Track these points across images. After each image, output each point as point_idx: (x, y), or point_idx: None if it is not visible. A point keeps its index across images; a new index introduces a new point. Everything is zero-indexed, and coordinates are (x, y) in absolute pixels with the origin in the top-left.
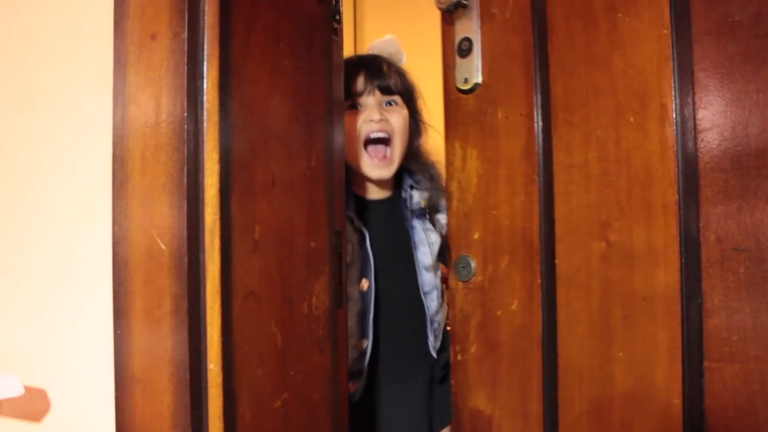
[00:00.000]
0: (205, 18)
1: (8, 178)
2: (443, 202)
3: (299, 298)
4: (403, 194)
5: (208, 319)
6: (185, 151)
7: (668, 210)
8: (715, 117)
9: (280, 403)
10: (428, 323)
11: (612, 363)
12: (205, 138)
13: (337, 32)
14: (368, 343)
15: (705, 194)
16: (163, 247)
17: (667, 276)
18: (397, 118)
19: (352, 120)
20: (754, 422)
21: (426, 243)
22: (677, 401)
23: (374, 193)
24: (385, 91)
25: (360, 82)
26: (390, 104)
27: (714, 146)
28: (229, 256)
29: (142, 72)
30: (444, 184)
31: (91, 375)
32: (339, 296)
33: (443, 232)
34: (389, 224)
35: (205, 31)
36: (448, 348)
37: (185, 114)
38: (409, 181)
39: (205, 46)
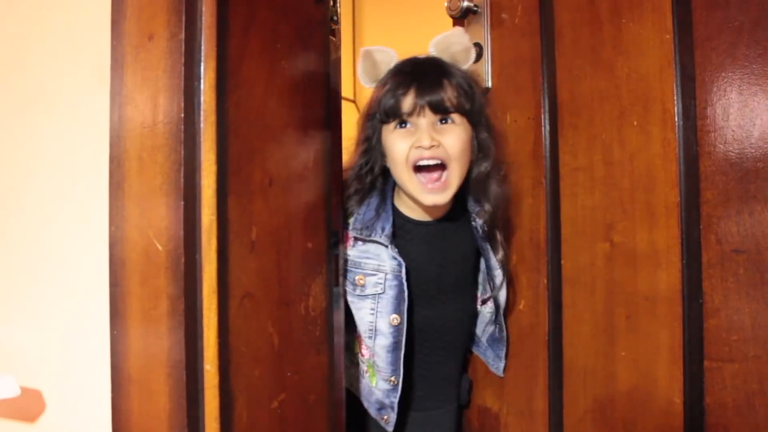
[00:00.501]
0: (203, 19)
1: (4, 179)
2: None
3: (296, 299)
4: (474, 221)
5: (205, 320)
6: (182, 152)
7: (670, 212)
8: (716, 121)
9: (276, 404)
10: (500, 346)
11: (615, 362)
12: (202, 139)
13: (335, 33)
14: (399, 380)
15: (706, 196)
16: (159, 247)
17: (669, 277)
18: (454, 141)
19: (400, 141)
20: (753, 420)
21: (499, 266)
22: (678, 400)
23: (425, 214)
24: (440, 110)
25: (408, 101)
26: (445, 122)
27: (715, 149)
28: (225, 256)
29: (140, 72)
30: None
31: (87, 376)
32: (336, 297)
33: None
34: (439, 247)
35: (203, 32)
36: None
37: (182, 115)
38: (476, 207)
39: (203, 47)
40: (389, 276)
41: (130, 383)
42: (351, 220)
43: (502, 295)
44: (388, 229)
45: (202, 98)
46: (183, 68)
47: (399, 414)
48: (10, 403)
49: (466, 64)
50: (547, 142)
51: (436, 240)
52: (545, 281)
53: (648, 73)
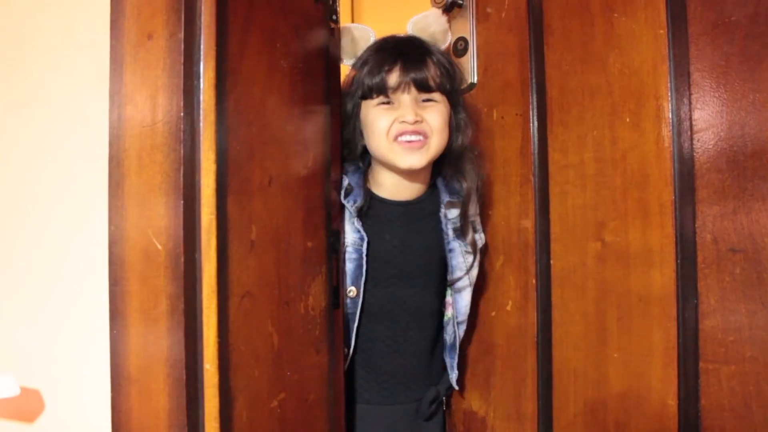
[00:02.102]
0: (202, 18)
1: (4, 178)
2: (475, 215)
3: (296, 299)
4: (442, 212)
5: (205, 320)
6: (182, 151)
7: (664, 210)
8: (711, 117)
9: (276, 404)
10: (452, 354)
11: (607, 364)
12: (201, 138)
13: (334, 32)
14: (349, 353)
15: (701, 195)
16: (159, 247)
17: (663, 276)
18: (436, 117)
19: (383, 116)
20: (750, 423)
21: (465, 268)
22: (672, 402)
23: (396, 194)
24: (422, 87)
25: (393, 77)
26: (427, 100)
27: (710, 146)
28: (225, 256)
29: (139, 72)
30: (479, 179)
31: (86, 375)
32: (336, 296)
33: (477, 255)
34: (409, 231)
35: (202, 31)
36: (441, 381)
37: (182, 114)
38: (446, 197)
39: (202, 46)
40: (350, 249)
41: (130, 383)
42: None
43: (462, 301)
44: (360, 201)
45: (201, 97)
46: (182, 67)
47: (366, 407)
48: (9, 402)
49: (444, 44)
50: (536, 138)
51: (400, 222)
52: (534, 281)
53: (641, 69)
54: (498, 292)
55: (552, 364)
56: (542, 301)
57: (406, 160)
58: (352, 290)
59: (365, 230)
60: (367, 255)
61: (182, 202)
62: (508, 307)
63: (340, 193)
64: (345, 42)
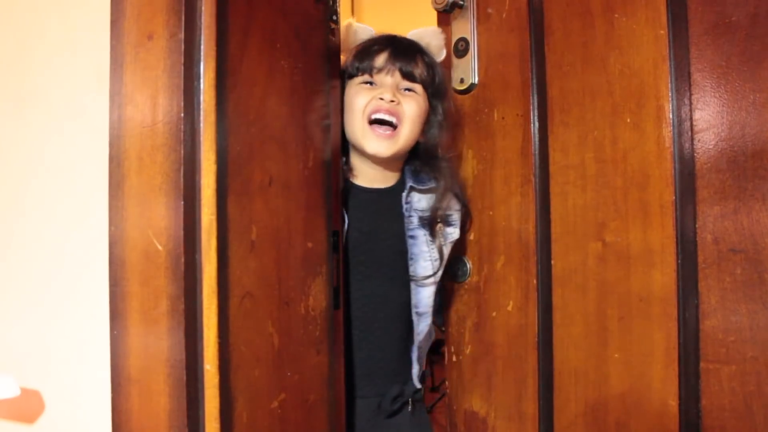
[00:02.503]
0: (202, 18)
1: (4, 179)
2: (454, 212)
3: (296, 299)
4: (403, 196)
5: (205, 320)
6: (182, 152)
7: (665, 210)
8: (711, 117)
9: (276, 404)
10: (414, 349)
11: (608, 364)
12: (201, 138)
13: (335, 33)
14: None
15: (702, 195)
16: (159, 247)
17: (664, 277)
18: (412, 105)
19: (362, 94)
20: (750, 423)
21: (429, 258)
22: (673, 402)
23: (369, 181)
24: (407, 76)
25: (381, 58)
26: (408, 91)
27: (710, 147)
28: (225, 256)
29: (139, 72)
30: (456, 184)
31: (87, 376)
32: (336, 297)
33: (444, 249)
34: (379, 219)
35: (202, 32)
36: (414, 379)
37: (182, 114)
38: (410, 182)
39: (202, 47)
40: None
41: (130, 383)
42: None
43: (424, 292)
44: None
45: (201, 98)
46: (182, 68)
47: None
48: (9, 403)
49: (437, 59)
50: (537, 139)
51: (371, 210)
52: (535, 282)
53: (642, 69)
54: (499, 292)
55: (553, 365)
56: (543, 301)
57: (374, 145)
58: None
59: (348, 212)
60: (352, 234)
61: (182, 202)
62: (509, 308)
63: (341, 194)
64: (346, 36)
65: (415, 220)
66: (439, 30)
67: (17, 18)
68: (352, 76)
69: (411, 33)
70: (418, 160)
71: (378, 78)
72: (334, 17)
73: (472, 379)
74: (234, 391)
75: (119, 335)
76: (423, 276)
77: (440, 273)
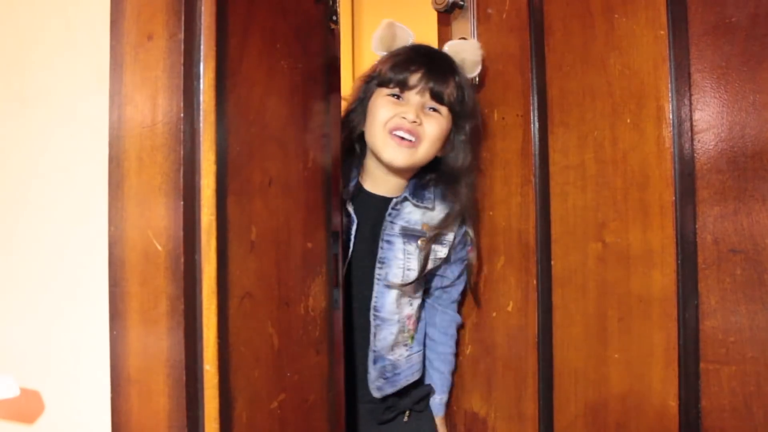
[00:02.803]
0: (202, 18)
1: (4, 179)
2: (450, 232)
3: (296, 299)
4: (393, 201)
5: (204, 320)
6: (181, 152)
7: (665, 211)
8: (711, 118)
9: (276, 405)
10: (369, 353)
11: (608, 364)
12: (201, 139)
13: (334, 33)
14: None
15: (701, 195)
16: (159, 247)
17: (663, 277)
18: (434, 127)
19: (388, 107)
20: (750, 424)
21: (402, 266)
22: (673, 403)
23: (377, 186)
24: (436, 97)
25: (415, 77)
26: (433, 110)
27: (710, 147)
28: (225, 256)
29: (139, 72)
30: (471, 209)
31: (86, 376)
32: (336, 297)
33: (426, 262)
34: (374, 225)
35: (202, 32)
36: (412, 392)
37: (182, 114)
38: (406, 192)
39: (202, 47)
40: (344, 230)
41: (130, 383)
42: None
43: (386, 297)
44: (352, 187)
45: (201, 98)
46: (182, 68)
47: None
48: (9, 403)
49: (471, 74)
50: (537, 139)
51: (374, 215)
52: (535, 282)
53: (641, 70)
54: (499, 292)
55: (553, 365)
56: (543, 301)
57: (390, 153)
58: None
59: (355, 214)
60: (355, 237)
61: (182, 202)
62: (509, 308)
63: (340, 194)
64: (386, 35)
65: (396, 228)
66: (478, 45)
67: (17, 18)
68: (382, 85)
69: (449, 45)
70: (438, 177)
71: (407, 95)
72: (334, 17)
73: (472, 380)
74: (233, 391)
75: (119, 335)
76: (391, 281)
77: (412, 285)
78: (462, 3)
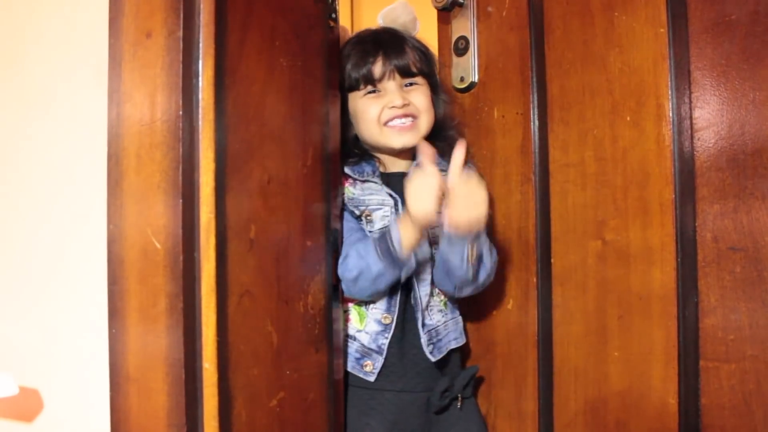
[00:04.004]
0: (201, 16)
1: (2, 177)
2: None
3: (295, 297)
4: (412, 167)
5: (204, 318)
6: (180, 150)
7: (664, 209)
8: (711, 116)
9: (275, 403)
10: (419, 317)
11: (608, 362)
12: (200, 136)
13: (333, 31)
14: (393, 319)
15: (701, 193)
16: (158, 245)
17: (663, 275)
18: (421, 98)
19: (372, 105)
20: (750, 421)
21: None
22: (673, 401)
23: (395, 166)
24: (405, 73)
25: (378, 67)
26: (410, 85)
27: (710, 145)
28: (224, 254)
29: (137, 70)
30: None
31: (85, 374)
32: (335, 295)
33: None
34: (404, 200)
35: (201, 30)
36: (455, 364)
37: (180, 112)
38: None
39: (201, 45)
40: (391, 209)
41: (129, 382)
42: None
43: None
44: (375, 169)
45: (200, 96)
46: (181, 66)
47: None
48: (8, 402)
49: (414, 32)
50: (536, 137)
51: (400, 190)
52: (534, 280)
53: (641, 68)
54: (498, 290)
55: (553, 363)
56: (543, 299)
57: (399, 140)
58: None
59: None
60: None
61: (181, 200)
62: (509, 306)
63: (340, 193)
64: (398, 16)
65: None
66: (405, 2)
67: (16, 16)
68: (352, 89)
69: (382, 14)
70: (435, 140)
71: (381, 86)
72: (333, 15)
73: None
74: (233, 389)
75: (118, 334)
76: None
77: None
78: (462, 1)
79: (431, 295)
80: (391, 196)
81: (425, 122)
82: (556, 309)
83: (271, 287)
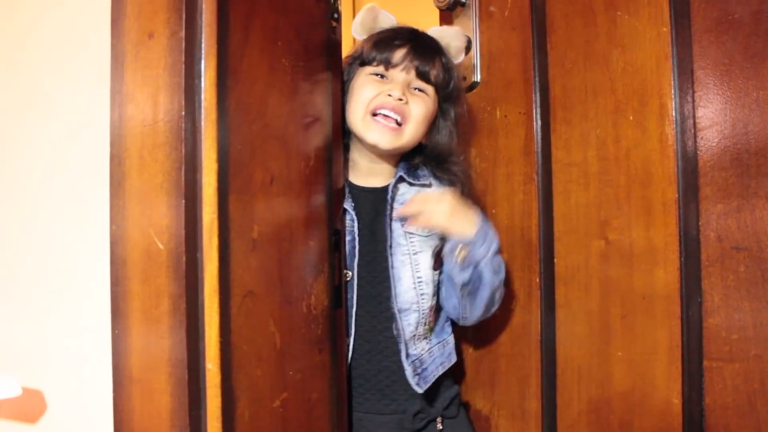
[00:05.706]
0: (203, 16)
1: (5, 178)
2: None
3: (298, 298)
4: (390, 185)
5: (207, 319)
6: (183, 150)
7: (668, 208)
8: (714, 115)
9: (278, 403)
10: (402, 348)
11: (611, 362)
12: (202, 137)
13: (336, 31)
14: (350, 341)
15: (705, 192)
16: (160, 246)
17: (667, 275)
18: (420, 107)
19: (371, 85)
20: (754, 421)
21: (407, 252)
22: (677, 400)
23: (364, 177)
24: (422, 76)
25: (399, 54)
26: (419, 90)
27: (713, 144)
28: (227, 255)
29: (140, 71)
30: (470, 187)
31: (88, 375)
32: (338, 295)
33: (420, 244)
34: (373, 219)
35: (203, 30)
36: (442, 392)
37: (183, 113)
38: (401, 172)
39: (203, 45)
40: (347, 230)
41: (132, 383)
42: None
43: (400, 286)
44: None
45: (202, 96)
46: (183, 66)
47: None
48: (11, 403)
49: (456, 60)
50: (539, 137)
51: (375, 207)
52: (537, 280)
53: (644, 67)
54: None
55: (556, 363)
56: (546, 299)
57: (374, 136)
58: (347, 273)
59: (354, 210)
60: (359, 235)
61: (184, 201)
62: (512, 306)
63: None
64: (367, 19)
65: (390, 209)
66: (462, 31)
67: (18, 17)
68: (364, 64)
69: (432, 30)
70: (426, 159)
71: (391, 73)
72: (336, 15)
73: (476, 378)
74: (236, 390)
75: (121, 334)
76: (400, 275)
77: (419, 268)
78: (464, 1)
79: (418, 324)
80: (349, 213)
81: (410, 133)
82: (559, 309)
83: (274, 288)
